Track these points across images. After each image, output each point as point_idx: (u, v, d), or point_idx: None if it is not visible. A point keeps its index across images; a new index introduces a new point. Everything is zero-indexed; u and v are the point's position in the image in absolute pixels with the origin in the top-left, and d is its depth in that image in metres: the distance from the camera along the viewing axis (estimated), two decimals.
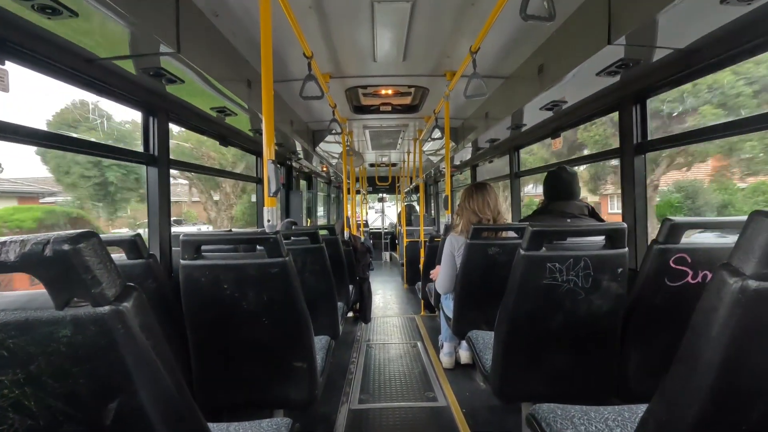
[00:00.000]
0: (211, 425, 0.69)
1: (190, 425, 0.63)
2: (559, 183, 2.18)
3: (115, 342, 0.52)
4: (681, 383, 0.62)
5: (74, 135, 1.95)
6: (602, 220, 2.10)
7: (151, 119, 2.05)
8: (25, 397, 0.53)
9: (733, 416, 0.58)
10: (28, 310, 0.51)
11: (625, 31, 1.48)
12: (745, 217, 0.57)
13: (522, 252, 1.40)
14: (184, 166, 2.52)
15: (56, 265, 0.49)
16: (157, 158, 2.05)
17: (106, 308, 0.51)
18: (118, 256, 1.61)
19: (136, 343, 0.54)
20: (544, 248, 1.40)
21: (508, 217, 2.87)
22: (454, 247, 2.39)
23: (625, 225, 1.43)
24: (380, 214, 10.83)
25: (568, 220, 2.06)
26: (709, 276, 1.36)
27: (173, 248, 2.13)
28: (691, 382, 0.59)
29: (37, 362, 0.51)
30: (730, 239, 1.40)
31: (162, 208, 2.06)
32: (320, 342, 1.93)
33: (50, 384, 0.53)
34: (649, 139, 1.99)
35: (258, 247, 1.49)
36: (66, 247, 0.48)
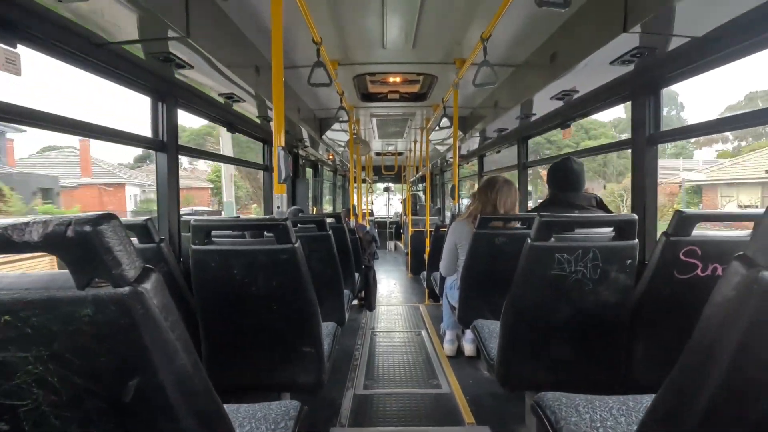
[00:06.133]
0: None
1: (206, 403, 0.65)
2: (567, 174, 2.16)
3: (135, 322, 0.53)
4: (691, 373, 0.62)
5: (86, 120, 1.94)
6: (610, 212, 2.09)
7: (159, 105, 2.05)
8: (49, 373, 0.54)
9: (743, 406, 0.59)
10: (50, 290, 0.52)
11: (642, 18, 1.45)
12: (761, 210, 0.57)
13: (530, 242, 1.40)
14: (193, 152, 2.53)
15: (78, 245, 0.50)
16: (166, 144, 2.05)
17: (126, 289, 0.52)
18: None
19: (155, 323, 0.55)
20: (552, 239, 1.40)
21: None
22: (455, 235, 2.42)
23: (636, 216, 1.42)
24: (385, 205, 10.85)
25: (576, 212, 2.05)
26: (719, 269, 1.36)
27: (182, 233, 2.16)
28: (701, 372, 0.59)
29: (60, 340, 0.53)
30: (743, 233, 1.39)
31: (171, 193, 2.08)
32: (327, 328, 1.95)
33: (73, 361, 0.54)
34: (661, 130, 1.96)
35: (266, 234, 1.50)
36: (87, 228, 0.49)
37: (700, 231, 1.36)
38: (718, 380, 0.58)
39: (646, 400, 1.21)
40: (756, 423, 0.58)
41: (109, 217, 0.52)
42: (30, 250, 0.49)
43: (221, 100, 2.46)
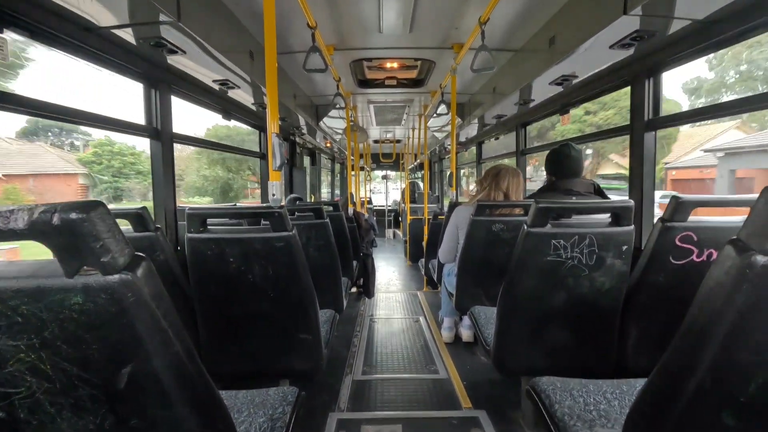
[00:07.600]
0: (219, 392, 0.71)
1: (201, 390, 0.65)
2: (565, 160, 2.15)
3: (126, 310, 0.53)
4: (682, 356, 0.62)
5: (77, 107, 1.92)
6: (608, 199, 2.08)
7: (153, 92, 2.02)
8: (41, 362, 0.54)
9: (732, 388, 0.59)
10: (39, 278, 0.51)
11: (642, 0, 1.42)
12: (755, 195, 0.56)
13: (527, 228, 1.40)
14: (188, 140, 2.50)
15: (65, 233, 0.49)
16: (161, 132, 2.03)
17: (116, 277, 0.52)
18: (125, 229, 1.62)
19: (147, 311, 0.54)
20: (549, 225, 1.40)
21: None
22: (458, 220, 2.42)
23: (632, 202, 1.41)
24: (383, 193, 10.86)
25: (574, 198, 2.04)
26: (714, 254, 1.36)
27: (179, 222, 2.15)
28: (693, 355, 0.60)
29: (51, 328, 0.53)
30: (738, 218, 1.39)
31: (167, 181, 2.06)
32: (325, 315, 1.96)
33: (64, 349, 0.54)
34: (660, 115, 1.94)
35: (263, 221, 1.50)
36: (74, 215, 0.49)
37: (697, 217, 1.36)
38: (709, 363, 0.58)
39: (640, 383, 1.22)
40: (744, 405, 0.58)
41: (96, 204, 0.51)
42: (16, 239, 0.49)
43: (216, 86, 2.42)
